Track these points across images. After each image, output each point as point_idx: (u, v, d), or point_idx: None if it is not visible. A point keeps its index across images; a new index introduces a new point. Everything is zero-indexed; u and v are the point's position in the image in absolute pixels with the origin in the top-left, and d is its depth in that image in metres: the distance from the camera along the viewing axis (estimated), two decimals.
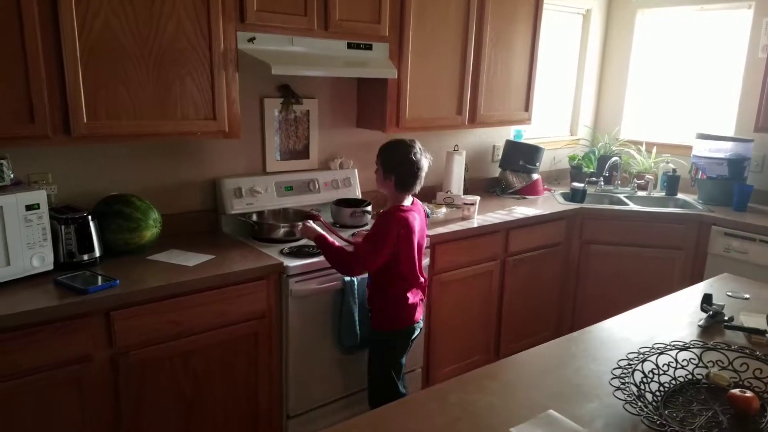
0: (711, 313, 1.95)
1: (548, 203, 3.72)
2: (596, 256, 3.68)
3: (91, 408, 2.04)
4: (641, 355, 1.54)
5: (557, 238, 3.59)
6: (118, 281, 2.08)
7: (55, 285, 2.05)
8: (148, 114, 2.25)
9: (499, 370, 1.61)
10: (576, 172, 4.26)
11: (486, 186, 4.00)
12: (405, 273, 2.33)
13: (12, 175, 2.11)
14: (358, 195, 3.18)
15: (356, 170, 3.22)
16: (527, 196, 3.87)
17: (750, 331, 1.84)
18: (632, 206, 3.74)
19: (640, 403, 1.32)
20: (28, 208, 2.03)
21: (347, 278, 2.52)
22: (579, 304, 3.76)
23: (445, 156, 3.58)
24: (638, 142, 4.36)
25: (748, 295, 2.21)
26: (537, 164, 3.90)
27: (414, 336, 2.45)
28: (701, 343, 1.64)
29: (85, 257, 2.24)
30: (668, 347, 1.59)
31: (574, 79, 4.55)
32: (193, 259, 2.35)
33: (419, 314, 2.43)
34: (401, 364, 2.46)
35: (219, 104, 2.41)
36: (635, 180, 4.13)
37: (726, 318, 1.95)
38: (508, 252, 3.33)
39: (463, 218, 3.22)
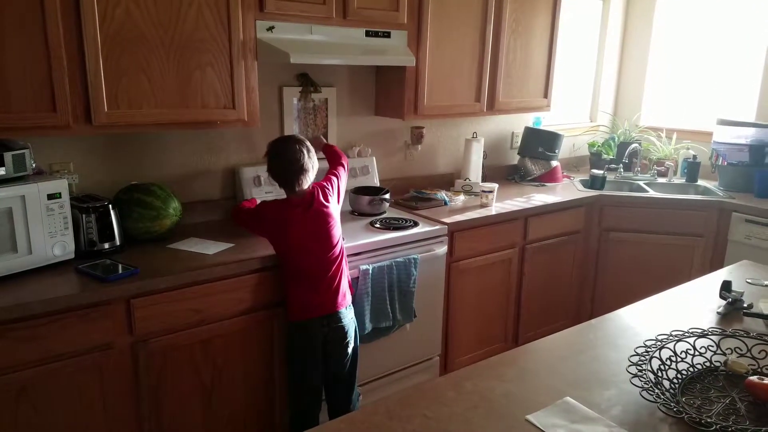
0: (730, 300, 1.93)
1: (567, 190, 3.69)
2: (615, 244, 3.64)
3: (112, 395, 2.07)
4: (659, 343, 1.54)
5: (576, 225, 3.57)
6: (138, 270, 2.11)
7: (76, 273, 2.09)
8: (169, 103, 2.28)
9: (517, 357, 1.62)
10: (595, 159, 4.22)
11: (505, 173, 3.98)
12: (288, 266, 2.28)
13: (34, 165, 2.15)
14: (377, 183, 3.18)
15: (374, 158, 3.22)
16: (546, 184, 3.84)
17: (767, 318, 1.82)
18: (652, 193, 3.70)
19: (657, 390, 1.31)
20: (50, 197, 2.07)
21: (362, 267, 2.53)
22: (598, 292, 3.73)
23: (464, 143, 3.56)
24: (658, 129, 4.30)
25: (767, 282, 2.18)
26: (556, 151, 3.87)
27: (314, 337, 2.27)
28: (719, 330, 1.63)
29: (106, 246, 2.28)
30: (686, 334, 1.58)
31: (593, 64, 4.49)
32: (212, 248, 2.38)
33: (314, 311, 2.26)
34: (305, 368, 2.31)
35: (238, 93, 2.43)
36: (655, 167, 4.07)
37: (745, 305, 1.92)
38: (527, 239, 3.31)
39: (482, 206, 3.21)
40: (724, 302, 1.94)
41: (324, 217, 2.26)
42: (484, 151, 3.63)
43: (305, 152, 2.24)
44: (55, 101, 2.05)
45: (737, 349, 1.56)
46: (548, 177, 3.88)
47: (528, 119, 4.03)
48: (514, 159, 4.01)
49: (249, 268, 2.29)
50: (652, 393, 1.31)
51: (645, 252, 3.61)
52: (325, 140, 2.80)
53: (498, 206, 3.24)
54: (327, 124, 3.08)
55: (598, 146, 4.25)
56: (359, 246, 2.58)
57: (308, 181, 2.27)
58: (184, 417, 2.26)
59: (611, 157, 4.21)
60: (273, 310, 2.39)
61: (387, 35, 2.81)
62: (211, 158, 2.77)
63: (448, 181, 3.55)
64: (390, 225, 2.81)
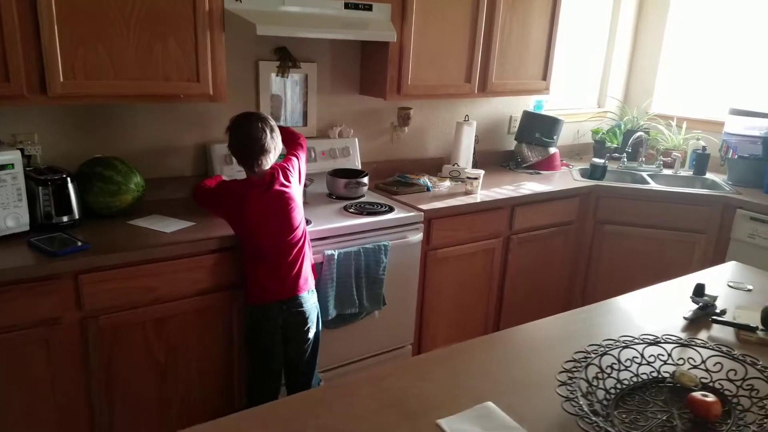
0: (701, 304, 1.80)
1: (563, 179, 3.54)
2: (610, 237, 3.49)
3: (61, 370, 2.05)
4: (602, 348, 1.42)
5: (569, 216, 3.42)
6: (89, 245, 2.07)
7: (28, 246, 2.05)
8: (129, 75, 2.21)
9: (449, 356, 1.52)
10: (599, 146, 4.04)
11: (500, 159, 3.84)
12: (247, 248, 2.22)
13: None
14: (358, 165, 3.08)
15: (356, 140, 3.12)
16: (542, 172, 3.69)
17: (739, 327, 1.69)
18: (652, 185, 3.52)
19: (580, 402, 1.21)
20: (1, 168, 2.03)
21: (327, 252, 2.45)
22: (590, 287, 3.59)
23: (455, 127, 3.43)
24: (669, 117, 4.09)
25: (751, 287, 2.03)
26: (554, 138, 3.71)
27: (272, 320, 2.20)
28: (674, 338, 1.50)
29: (65, 219, 2.24)
30: (635, 340, 1.46)
31: (604, 46, 4.28)
32: (173, 225, 2.33)
33: (272, 295, 2.19)
34: (263, 351, 2.26)
35: (203, 66, 2.34)
36: (661, 157, 3.88)
37: (717, 311, 1.79)
38: (513, 229, 3.19)
39: (466, 193, 3.09)
40: (695, 306, 1.81)
41: (284, 200, 2.18)
42: (476, 136, 3.50)
43: (267, 131, 2.15)
44: (8, 70, 1.99)
45: (691, 360, 1.44)
46: (545, 165, 3.73)
47: (528, 103, 3.87)
48: (511, 145, 3.86)
49: (206, 248, 2.23)
50: (575, 405, 1.20)
51: (641, 247, 3.45)
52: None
53: (484, 194, 3.12)
54: (306, 102, 2.98)
55: (603, 133, 4.07)
56: (327, 230, 2.49)
57: (269, 161, 2.18)
58: (137, 395, 2.23)
59: (616, 145, 4.02)
60: (232, 292, 2.33)
61: (368, 8, 2.69)
62: (184, 134, 2.71)
63: (438, 165, 3.43)
64: (364, 210, 2.72)
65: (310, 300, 2.27)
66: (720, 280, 2.09)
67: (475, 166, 3.52)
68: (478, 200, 3.03)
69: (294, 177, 2.25)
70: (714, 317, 1.74)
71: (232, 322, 2.36)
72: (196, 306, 2.26)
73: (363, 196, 2.93)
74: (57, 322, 2.01)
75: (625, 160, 3.88)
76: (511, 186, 3.31)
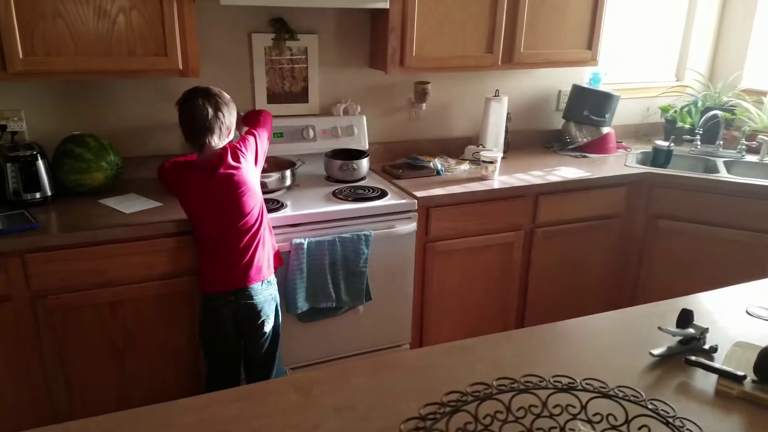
0: (681, 339, 1.40)
1: (612, 165, 3.06)
2: (666, 235, 2.97)
3: (14, 348, 2.06)
4: (465, 397, 1.12)
5: (614, 208, 2.95)
6: (38, 224, 2.05)
7: None
8: (90, 50, 2.14)
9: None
10: (670, 127, 3.46)
11: (545, 139, 3.41)
12: (196, 234, 2.12)
13: None
14: (364, 146, 2.84)
15: (364, 117, 2.87)
16: (590, 155, 3.22)
17: (719, 374, 1.28)
18: (722, 175, 2.94)
19: None
20: None
21: (295, 240, 2.26)
22: (640, 291, 3.10)
23: (484, 103, 3.07)
24: (761, 93, 3.40)
25: None
26: (606, 116, 3.21)
27: (220, 312, 2.07)
28: (597, 385, 1.15)
29: (37, 195, 2.25)
30: (517, 385, 1.13)
31: (685, 9, 3.63)
32: (137, 205, 2.25)
33: (221, 284, 2.06)
34: (211, 344, 2.15)
35: (170, 39, 2.23)
36: (744, 141, 3.23)
37: (706, 347, 1.38)
38: (536, 222, 2.80)
39: (481, 178, 2.75)
40: (675, 340, 1.41)
41: (231, 184, 2.00)
42: (508, 113, 3.11)
43: (210, 108, 1.97)
44: None
45: (611, 418, 1.10)
46: (596, 146, 3.25)
47: (583, 75, 3.38)
48: (560, 123, 3.41)
49: (161, 231, 2.13)
50: None
51: (704, 248, 2.91)
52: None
53: (503, 180, 2.76)
54: (307, 77, 2.78)
55: (674, 112, 3.47)
56: (297, 216, 2.31)
57: (216, 141, 2.01)
58: (95, 378, 2.20)
59: (690, 126, 3.42)
60: (196, 278, 2.22)
61: None
62: (172, 111, 2.61)
63: (464, 146, 3.09)
64: (352, 195, 2.50)
65: (263, 292, 2.10)
66: (733, 303, 1.64)
67: (506, 147, 3.14)
68: (494, 187, 2.68)
69: (247, 158, 2.07)
70: (687, 358, 1.33)
71: (197, 308, 2.26)
72: (156, 291, 2.18)
73: (363, 179, 2.70)
74: (7, 298, 2.01)
75: (699, 143, 3.28)
76: (540, 171, 2.90)
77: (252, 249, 2.06)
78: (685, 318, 1.43)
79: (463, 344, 1.43)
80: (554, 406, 1.12)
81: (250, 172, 2.06)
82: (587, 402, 1.12)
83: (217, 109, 1.98)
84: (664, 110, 3.50)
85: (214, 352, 2.17)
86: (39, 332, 2.08)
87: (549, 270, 2.90)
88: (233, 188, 2.00)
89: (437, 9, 2.60)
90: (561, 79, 3.35)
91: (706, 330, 1.40)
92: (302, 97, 2.80)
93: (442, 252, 2.63)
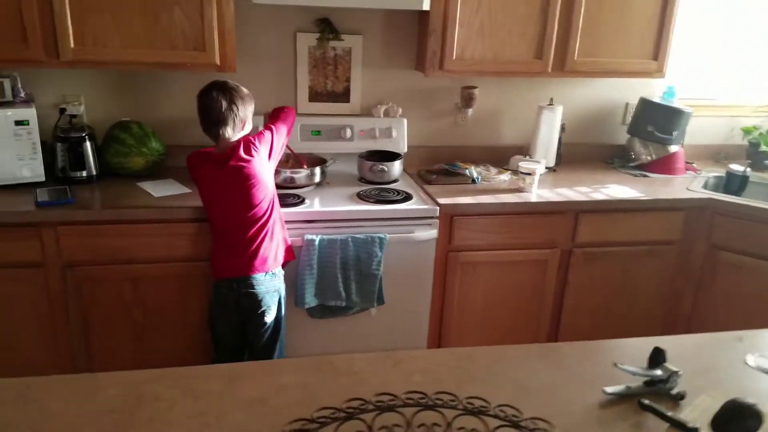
0: (648, 379, 1.24)
1: (673, 187, 2.79)
2: (728, 268, 2.67)
3: (44, 310, 2.25)
4: (366, 405, 1.06)
5: (669, 234, 2.70)
6: (73, 200, 2.23)
7: (30, 195, 2.27)
8: (135, 43, 2.29)
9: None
10: (753, 150, 3.11)
11: (606, 154, 3.18)
12: (209, 222, 2.19)
13: (23, 93, 2.39)
14: (401, 148, 2.81)
15: (405, 120, 2.84)
16: (653, 174, 2.96)
17: (670, 422, 1.13)
18: None
19: None
20: (18, 123, 2.28)
21: (307, 237, 2.28)
22: (695, 327, 2.80)
23: (537, 111, 2.92)
24: None
25: None
26: (673, 133, 2.94)
27: (224, 298, 2.14)
28: (481, 408, 1.05)
29: (84, 174, 2.44)
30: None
31: None
32: (168, 190, 2.38)
33: (226, 272, 2.13)
34: (216, 327, 2.22)
35: (209, 35, 2.33)
36: None
37: (674, 392, 1.22)
38: (575, 241, 2.62)
39: (518, 190, 2.62)
40: (642, 379, 1.26)
41: (241, 176, 2.06)
42: (562, 124, 2.94)
43: (225, 101, 2.04)
44: (26, 35, 2.21)
45: None
46: (661, 166, 2.98)
47: (655, 88, 3.12)
48: (624, 138, 3.16)
49: (180, 216, 2.24)
50: None
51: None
52: None
53: (543, 193, 2.61)
54: (349, 77, 2.79)
55: (759, 133, 3.11)
56: (313, 213, 2.34)
57: (230, 133, 2.07)
58: (114, 346, 2.35)
59: None
60: (206, 263, 2.30)
61: None
62: None
63: (505, 156, 2.96)
64: (375, 197, 2.48)
65: (266, 283, 2.14)
66: (742, 348, 1.43)
67: (558, 159, 2.97)
68: (531, 200, 2.55)
69: (260, 151, 2.11)
70: (642, 401, 1.18)
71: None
72: (175, 272, 2.30)
73: (394, 181, 2.68)
74: (41, 265, 2.20)
75: None
76: (587, 188, 2.71)
77: (258, 240, 2.11)
78: (656, 358, 1.27)
79: (409, 354, 1.37)
80: (459, 428, 1.05)
81: (262, 165, 2.11)
82: (495, 429, 1.04)
83: (232, 102, 2.05)
84: (747, 132, 3.14)
85: (219, 336, 2.24)
86: (67, 300, 2.26)
87: (589, 293, 2.70)
88: (243, 180, 2.06)
89: (480, 11, 2.51)
90: (630, 91, 3.11)
91: (675, 373, 1.24)
92: (344, 96, 2.82)
93: (466, 263, 2.54)
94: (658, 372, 1.24)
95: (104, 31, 2.26)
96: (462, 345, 2.67)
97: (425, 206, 2.41)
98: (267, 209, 2.12)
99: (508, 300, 2.64)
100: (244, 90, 2.12)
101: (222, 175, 2.06)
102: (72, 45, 2.24)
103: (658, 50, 2.72)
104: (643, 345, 1.34)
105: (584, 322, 2.75)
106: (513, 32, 2.57)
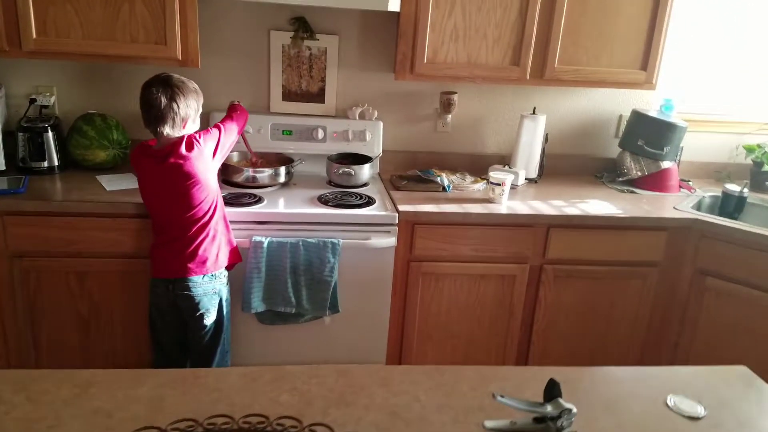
0: (537, 415, 1.12)
1: (660, 205, 2.62)
2: (715, 295, 2.48)
3: None
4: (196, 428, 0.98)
5: (651, 255, 2.52)
6: (23, 190, 2.22)
7: None
8: (97, 34, 2.27)
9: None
10: (756, 169, 2.90)
11: (597, 168, 3.02)
12: (150, 216, 2.13)
13: None
14: (375, 152, 2.72)
15: (381, 123, 2.75)
16: (642, 191, 2.79)
17: None
18: None
19: None
20: None
21: (255, 238, 2.21)
22: (682, 355, 2.61)
23: (519, 121, 2.79)
24: None
25: (704, 412, 1.20)
26: (665, 148, 2.76)
27: (160, 298, 2.08)
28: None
29: (44, 164, 2.44)
30: None
31: None
32: (122, 184, 2.35)
33: (162, 272, 2.07)
34: (153, 327, 2.17)
35: (170, 29, 2.29)
36: None
37: (558, 425, 1.10)
38: (546, 257, 2.47)
39: (488, 201, 2.50)
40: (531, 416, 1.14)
41: (179, 174, 1.97)
42: (545, 134, 2.80)
43: (165, 98, 1.95)
44: None
45: None
46: (652, 182, 2.81)
47: (653, 100, 2.94)
48: (616, 152, 2.99)
49: (123, 211, 2.19)
50: None
51: (761, 317, 2.38)
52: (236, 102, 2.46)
53: (513, 205, 2.48)
54: (324, 78, 2.72)
55: (762, 153, 2.89)
56: (265, 215, 2.26)
57: (169, 131, 1.98)
58: (61, 341, 2.32)
59: None
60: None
61: None
62: None
63: (485, 164, 2.82)
64: (335, 200, 2.39)
65: (203, 285, 2.07)
66: (688, 386, 1.29)
67: (541, 171, 2.83)
68: (498, 212, 2.42)
69: (203, 150, 2.04)
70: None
71: None
72: (119, 267, 2.26)
73: (363, 185, 2.59)
74: None
75: None
76: (563, 201, 2.57)
77: (198, 240, 2.04)
78: (550, 391, 1.14)
79: (291, 370, 1.28)
80: None
81: (204, 164, 2.04)
82: None
83: (172, 99, 1.96)
84: (749, 150, 2.93)
85: (157, 337, 2.18)
86: (14, 289, 2.25)
87: (563, 312, 2.55)
88: (181, 179, 1.99)
89: (454, 13, 2.40)
90: (626, 103, 2.95)
91: (567, 410, 1.11)
92: (319, 97, 2.75)
93: (429, 273, 2.43)
94: (548, 408, 1.12)
95: (66, 22, 2.24)
96: (423, 359, 2.56)
97: (383, 212, 2.32)
98: (209, 210, 2.05)
99: (473, 314, 2.52)
100: (190, 85, 2.04)
101: (160, 173, 2.00)
102: (34, 35, 2.24)
103: (647, 60, 2.56)
104: (571, 375, 1.21)
105: (557, 343, 2.60)
106: (488, 36, 2.45)
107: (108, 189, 2.31)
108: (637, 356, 2.66)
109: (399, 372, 1.28)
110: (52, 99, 2.59)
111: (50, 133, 2.42)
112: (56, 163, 2.45)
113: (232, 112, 2.30)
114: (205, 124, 2.60)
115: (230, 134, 2.17)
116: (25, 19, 2.21)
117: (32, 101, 2.51)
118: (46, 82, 2.61)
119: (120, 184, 2.36)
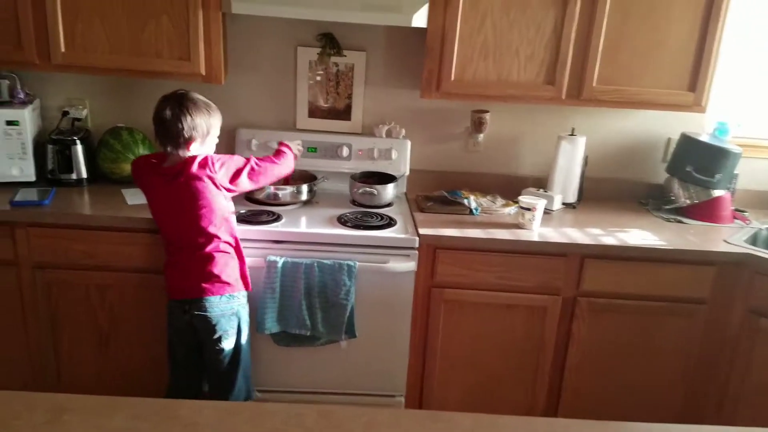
0: None
1: (709, 237, 2.40)
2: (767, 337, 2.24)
3: (16, 309, 2.26)
4: None
5: (697, 292, 2.31)
6: (47, 201, 2.24)
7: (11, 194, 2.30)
8: (123, 49, 2.29)
9: None
10: None
11: (643, 194, 2.82)
12: (161, 234, 2.09)
13: (22, 94, 2.45)
14: (401, 171, 2.63)
15: (408, 142, 2.66)
16: (691, 220, 2.58)
17: None
18: None
19: None
20: (9, 123, 2.33)
21: (270, 258, 2.14)
22: (730, 405, 2.38)
23: (556, 142, 2.64)
24: None
25: None
26: (716, 176, 2.54)
27: (177, 319, 2.03)
28: None
29: (73, 177, 2.46)
30: None
31: None
32: (143, 199, 2.33)
33: (178, 293, 2.03)
34: (171, 347, 2.11)
35: (194, 45, 2.29)
36: None
37: None
38: (580, 289, 2.30)
39: (517, 226, 2.36)
40: None
41: (191, 193, 1.92)
42: (585, 156, 2.63)
43: (175, 116, 1.90)
44: (20, 39, 2.26)
45: None
46: (702, 212, 2.59)
47: (706, 123, 2.73)
48: (663, 177, 2.78)
49: (136, 226, 2.18)
50: None
51: None
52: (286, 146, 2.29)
53: (545, 232, 2.33)
54: (351, 94, 2.65)
55: None
56: (281, 234, 2.20)
57: (184, 148, 1.94)
58: (80, 354, 2.33)
59: None
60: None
61: None
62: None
63: (519, 187, 2.68)
64: (354, 221, 2.31)
65: (221, 305, 2.00)
66: None
67: (580, 195, 2.66)
68: (527, 239, 2.28)
69: (216, 173, 1.95)
70: None
71: None
72: (136, 282, 2.25)
73: (387, 205, 2.50)
74: (14, 263, 2.22)
75: None
76: (601, 230, 2.39)
77: (211, 261, 1.98)
78: None
79: (269, 408, 1.19)
80: None
81: (214, 186, 1.96)
82: None
83: (178, 117, 1.91)
84: None
85: (175, 357, 2.14)
86: (37, 300, 2.26)
87: (598, 348, 2.37)
88: (192, 197, 1.94)
89: (483, 29, 2.29)
90: (676, 125, 2.74)
91: None
92: (345, 114, 2.68)
93: (451, 301, 2.30)
94: None
95: (93, 36, 2.27)
96: (446, 390, 2.43)
97: (402, 235, 2.21)
98: (219, 230, 1.98)
99: (500, 346, 2.37)
100: (203, 105, 1.97)
101: (169, 191, 1.96)
102: (63, 49, 2.27)
103: (696, 81, 2.36)
104: None
105: (591, 381, 2.42)
106: (521, 53, 2.33)
107: (129, 203, 2.30)
108: (680, 400, 2.44)
109: (386, 416, 1.17)
110: (84, 112, 2.63)
111: (79, 146, 2.45)
112: (84, 176, 2.48)
113: (277, 156, 2.21)
114: (230, 140, 2.61)
115: (257, 174, 2.08)
116: (54, 33, 2.25)
117: (65, 114, 2.55)
118: (78, 95, 2.65)
119: (142, 198, 2.32)
